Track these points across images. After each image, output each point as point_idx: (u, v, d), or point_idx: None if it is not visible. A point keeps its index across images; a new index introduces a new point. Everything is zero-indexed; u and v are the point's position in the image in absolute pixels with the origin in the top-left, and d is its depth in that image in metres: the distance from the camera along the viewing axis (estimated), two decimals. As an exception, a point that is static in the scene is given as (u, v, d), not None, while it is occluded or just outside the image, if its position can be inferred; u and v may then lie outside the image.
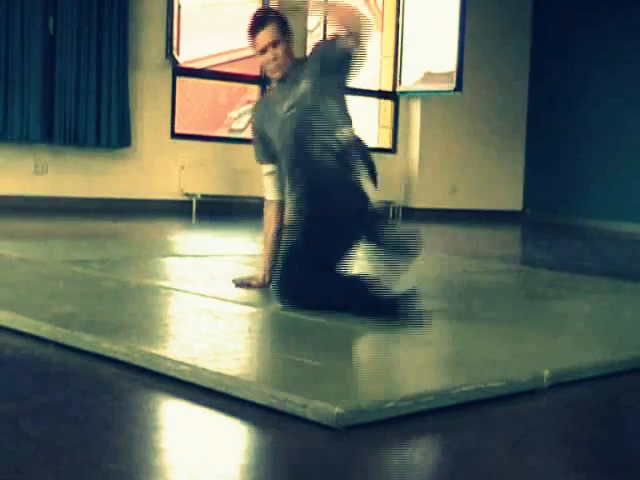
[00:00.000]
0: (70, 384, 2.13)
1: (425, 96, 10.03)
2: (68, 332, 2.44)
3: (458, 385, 2.07)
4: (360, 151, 3.15)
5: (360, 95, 9.92)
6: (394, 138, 10.20)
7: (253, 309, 2.97)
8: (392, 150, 10.18)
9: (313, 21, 9.11)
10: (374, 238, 3.04)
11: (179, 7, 8.55)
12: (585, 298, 3.76)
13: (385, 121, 10.30)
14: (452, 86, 9.50)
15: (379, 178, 3.17)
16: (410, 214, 9.94)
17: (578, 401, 2.23)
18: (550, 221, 10.54)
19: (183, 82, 8.83)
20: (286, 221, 3.30)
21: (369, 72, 9.92)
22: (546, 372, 2.25)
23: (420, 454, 1.76)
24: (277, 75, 3.30)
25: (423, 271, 4.66)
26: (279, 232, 3.37)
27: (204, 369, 2.07)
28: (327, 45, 3.28)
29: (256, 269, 4.17)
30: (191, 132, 8.94)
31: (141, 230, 6.67)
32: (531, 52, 11.09)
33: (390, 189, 9.84)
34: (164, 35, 8.39)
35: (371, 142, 10.25)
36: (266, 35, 3.23)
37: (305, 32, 7.65)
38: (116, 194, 8.21)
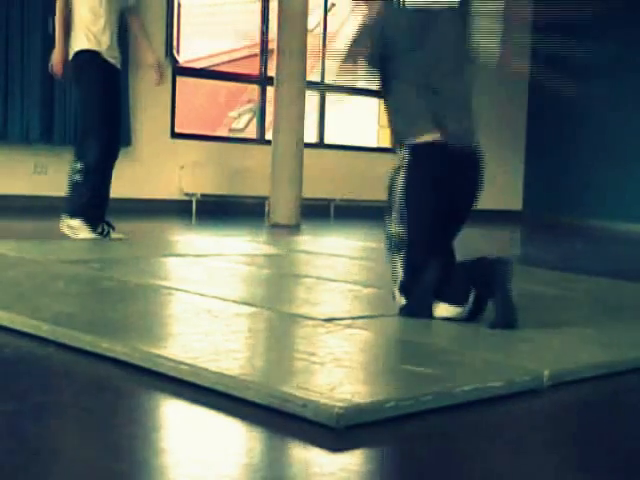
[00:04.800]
0: (70, 384, 2.13)
1: (425, 96, 10.02)
2: (68, 332, 2.44)
3: (458, 385, 2.07)
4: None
5: (360, 95, 9.93)
6: (394, 138, 10.19)
7: (253, 309, 2.97)
8: (392, 150, 10.17)
9: (313, 21, 9.11)
10: None
11: (179, 7, 8.55)
12: (585, 298, 3.75)
13: (385, 121, 10.30)
14: (452, 86, 9.49)
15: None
16: (410, 214, 9.94)
17: (578, 401, 2.23)
18: (550, 221, 10.54)
19: (183, 82, 8.83)
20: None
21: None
22: (546, 372, 2.25)
23: (420, 454, 1.76)
24: None
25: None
26: None
27: (204, 369, 2.07)
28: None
29: (256, 269, 4.18)
30: (191, 132, 8.94)
31: (141, 230, 6.67)
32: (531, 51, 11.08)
33: (390, 189, 9.84)
34: (164, 35, 8.39)
35: (371, 142, 10.25)
36: None
37: (305, 31, 7.65)
38: (116, 194, 8.17)
